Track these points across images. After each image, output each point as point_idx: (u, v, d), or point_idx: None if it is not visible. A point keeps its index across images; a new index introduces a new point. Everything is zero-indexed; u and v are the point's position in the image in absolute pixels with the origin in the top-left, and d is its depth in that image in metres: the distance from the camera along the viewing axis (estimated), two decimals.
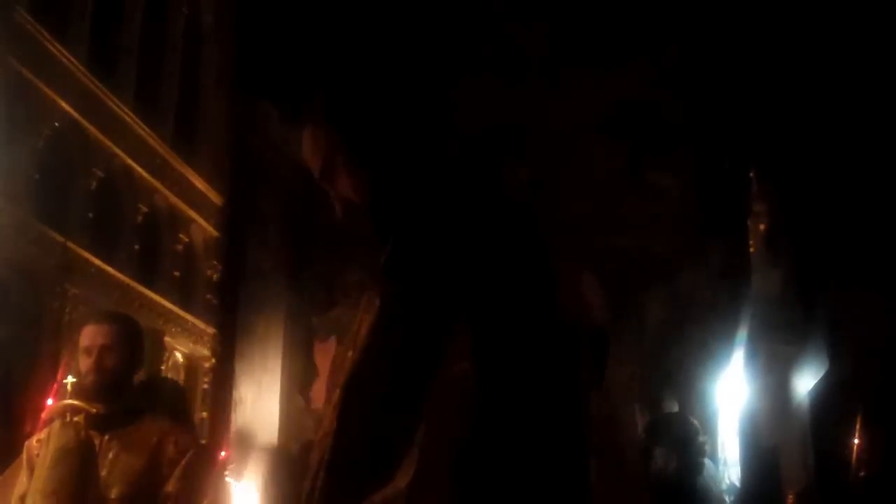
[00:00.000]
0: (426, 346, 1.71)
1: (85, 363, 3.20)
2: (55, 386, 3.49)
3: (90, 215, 15.30)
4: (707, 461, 6.37)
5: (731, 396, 14.26)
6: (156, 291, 17.02)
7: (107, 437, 3.25)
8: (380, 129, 1.96)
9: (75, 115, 14.64)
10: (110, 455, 3.24)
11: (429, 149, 2.01)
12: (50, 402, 3.81)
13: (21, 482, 3.28)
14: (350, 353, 1.82)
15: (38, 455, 3.27)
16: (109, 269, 15.45)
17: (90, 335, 3.29)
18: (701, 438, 5.54)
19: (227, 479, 15.43)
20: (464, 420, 1.68)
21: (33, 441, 3.37)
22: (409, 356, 1.72)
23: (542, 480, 1.70)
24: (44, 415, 3.38)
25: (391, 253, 1.81)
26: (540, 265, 1.86)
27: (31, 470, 3.27)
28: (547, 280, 1.86)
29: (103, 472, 3.20)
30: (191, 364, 18.63)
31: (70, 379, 3.24)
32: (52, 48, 14.03)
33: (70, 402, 3.21)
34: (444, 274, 1.76)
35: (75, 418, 3.20)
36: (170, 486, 3.25)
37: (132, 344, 3.39)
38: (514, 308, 1.76)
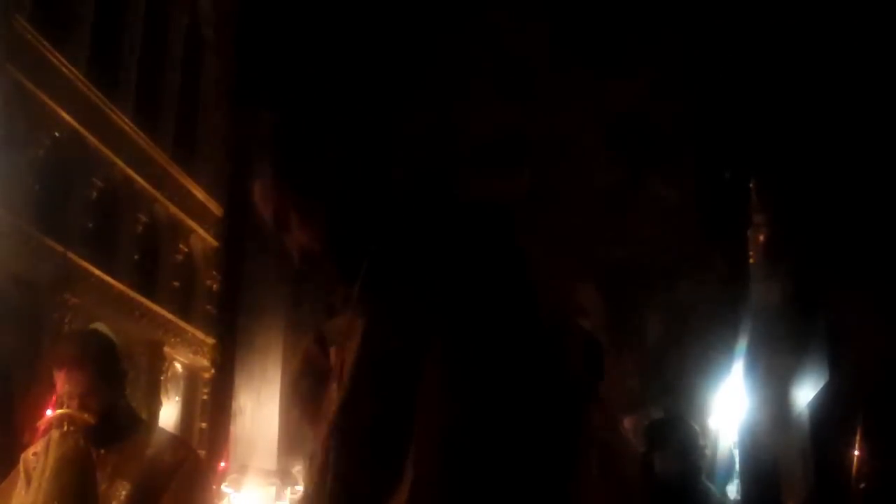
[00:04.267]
0: (410, 367, 1.72)
1: (64, 402, 3.20)
2: (54, 396, 3.46)
3: (90, 225, 15.31)
4: (708, 467, 6.34)
5: (730, 407, 14.26)
6: (155, 301, 17.02)
7: (103, 451, 3.24)
8: (329, 168, 1.93)
9: (75, 125, 14.65)
10: (108, 469, 3.23)
11: (387, 174, 1.98)
12: (49, 413, 3.79)
13: (18, 494, 3.27)
14: (336, 387, 1.83)
15: (34, 467, 3.26)
16: (109, 279, 15.45)
17: (61, 382, 3.26)
18: (701, 443, 5.53)
19: (226, 489, 15.43)
20: (448, 432, 1.70)
21: (30, 453, 3.35)
22: (394, 381, 1.73)
23: (532, 489, 1.73)
24: (41, 425, 3.36)
25: (364, 278, 1.82)
26: (516, 274, 1.86)
27: (29, 481, 3.25)
28: (524, 288, 1.85)
29: (102, 486, 3.19)
30: (190, 374, 18.63)
31: (68, 389, 3.22)
32: (52, 58, 14.06)
33: (67, 411, 3.19)
34: (418, 292, 1.76)
35: (72, 428, 3.18)
36: (168, 498, 3.24)
37: (103, 373, 3.32)
38: (489, 319, 1.77)
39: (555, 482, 1.78)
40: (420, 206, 1.90)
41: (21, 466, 3.34)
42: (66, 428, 3.15)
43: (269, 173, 1.97)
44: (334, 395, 1.81)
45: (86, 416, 3.17)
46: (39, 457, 3.23)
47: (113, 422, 3.27)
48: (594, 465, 3.08)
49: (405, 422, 1.70)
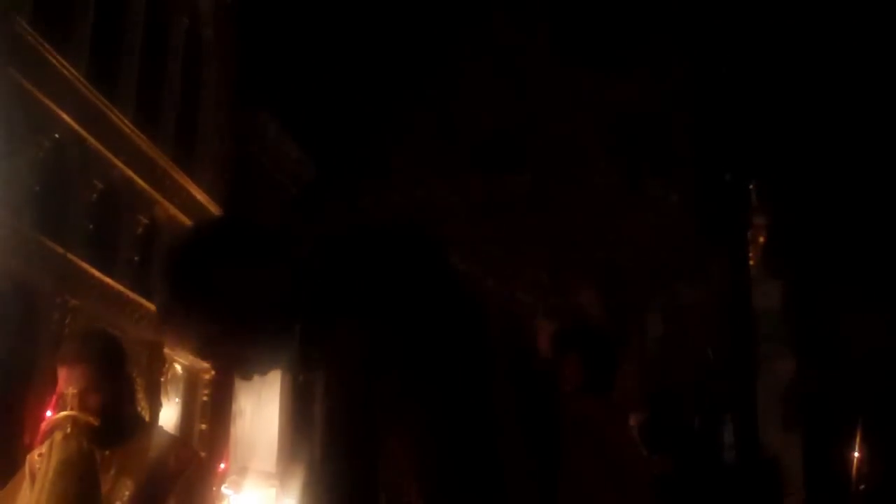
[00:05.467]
0: (374, 412, 1.77)
1: (67, 403, 3.20)
2: (54, 398, 3.46)
3: (90, 227, 15.29)
4: (703, 466, 6.36)
5: (730, 407, 14.27)
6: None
7: (107, 453, 3.25)
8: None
9: (76, 126, 14.64)
10: (112, 471, 3.24)
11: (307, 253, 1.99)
12: (49, 414, 3.79)
13: (24, 495, 3.28)
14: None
15: (40, 468, 3.26)
16: (109, 280, 15.44)
17: (63, 380, 3.27)
18: (698, 444, 5.56)
19: (226, 490, 15.42)
20: (420, 465, 1.76)
21: (35, 455, 3.36)
22: (370, 412, 1.78)
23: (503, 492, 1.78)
24: (44, 426, 3.37)
25: (304, 346, 1.88)
26: (450, 294, 1.88)
27: (34, 483, 3.26)
28: (463, 306, 1.88)
29: (105, 488, 3.19)
30: (190, 376, 18.61)
31: (71, 390, 3.23)
32: (52, 59, 14.05)
33: (71, 413, 3.19)
34: (363, 332, 1.79)
35: (76, 430, 3.19)
36: (172, 501, 3.24)
37: (107, 371, 3.33)
38: (439, 347, 1.81)
39: (537, 477, 1.82)
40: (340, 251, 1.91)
41: (26, 468, 3.35)
42: (69, 430, 3.16)
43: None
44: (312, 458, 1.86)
45: (90, 417, 3.18)
46: (44, 458, 3.24)
47: (117, 422, 3.27)
48: (590, 453, 3.10)
49: (376, 463, 1.75)
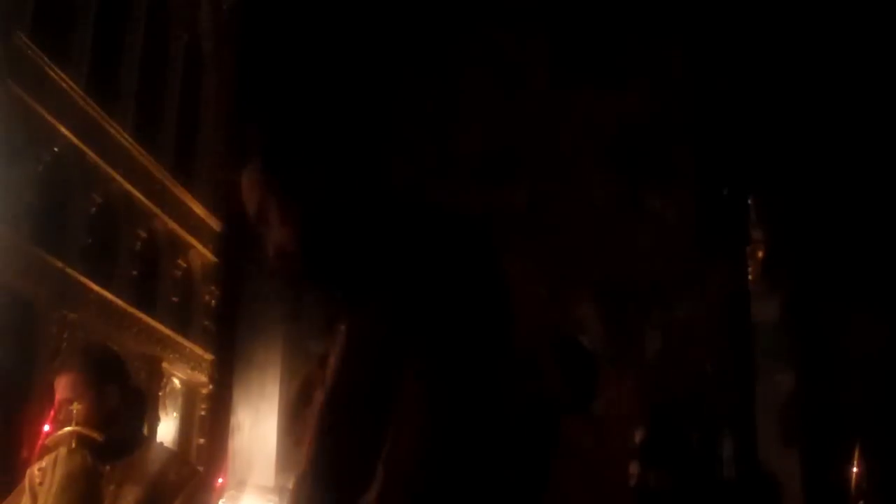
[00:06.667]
0: (388, 373, 1.81)
1: (67, 413, 3.20)
2: (52, 412, 3.45)
3: (89, 240, 15.32)
4: (701, 481, 6.36)
5: (728, 421, 14.24)
6: (154, 317, 17.01)
7: (108, 468, 3.24)
8: (314, 169, 1.99)
9: (75, 140, 14.68)
10: (112, 486, 3.23)
11: (369, 184, 2.04)
12: (47, 428, 3.77)
13: None
14: (318, 389, 1.91)
15: (40, 483, 3.26)
16: (107, 294, 15.45)
17: (62, 388, 3.27)
18: (699, 460, 5.55)
19: None
20: (419, 438, 1.79)
21: (35, 469, 3.35)
22: (373, 383, 1.82)
23: (494, 495, 1.81)
24: (47, 441, 3.36)
25: (347, 289, 1.90)
26: (493, 292, 1.93)
27: (34, 498, 3.25)
28: (500, 306, 1.92)
29: (106, 502, 3.19)
30: (188, 390, 18.61)
31: (75, 406, 3.22)
32: (52, 73, 14.10)
33: (75, 428, 3.19)
34: (399, 303, 1.84)
35: (80, 445, 3.19)
36: None
37: (102, 380, 3.33)
38: (465, 332, 1.85)
39: (525, 491, 1.84)
40: (403, 218, 1.95)
41: (26, 482, 3.34)
42: (73, 445, 3.16)
43: (257, 168, 2.02)
44: (318, 396, 1.89)
45: (93, 433, 3.18)
46: (45, 473, 3.24)
47: (118, 436, 3.27)
48: (576, 476, 3.09)
49: (381, 420, 1.79)
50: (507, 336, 1.90)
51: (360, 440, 1.82)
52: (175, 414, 18.26)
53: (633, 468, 4.59)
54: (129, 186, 16.32)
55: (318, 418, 1.84)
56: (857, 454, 8.62)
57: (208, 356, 18.92)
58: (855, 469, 8.61)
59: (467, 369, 1.85)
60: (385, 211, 1.97)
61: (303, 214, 1.97)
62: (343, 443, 1.82)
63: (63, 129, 14.37)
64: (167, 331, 17.44)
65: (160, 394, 17.26)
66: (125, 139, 16.15)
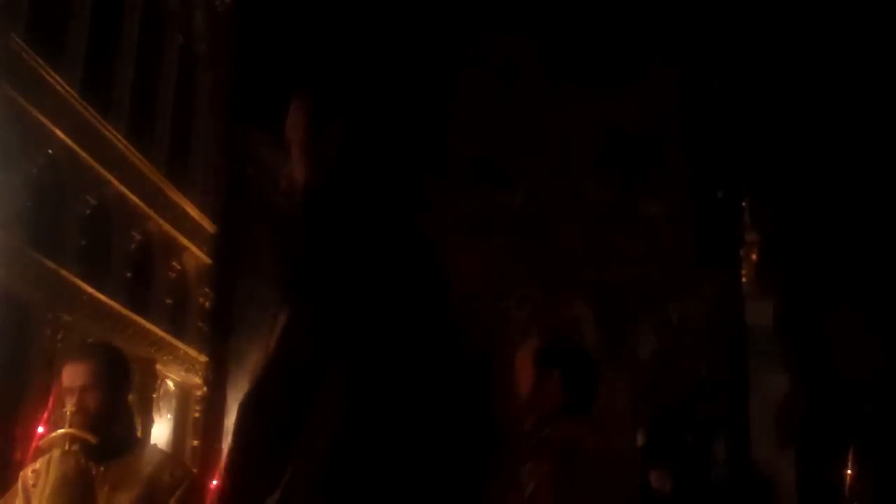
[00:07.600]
0: (312, 364, 1.85)
1: (69, 402, 3.20)
2: (46, 414, 3.46)
3: (83, 243, 15.29)
4: (696, 483, 6.38)
5: (722, 423, 14.28)
6: (148, 319, 16.99)
7: (102, 469, 3.25)
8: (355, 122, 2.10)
9: (69, 142, 14.66)
10: (106, 488, 3.23)
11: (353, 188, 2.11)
12: (41, 430, 3.78)
13: None
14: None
15: (34, 485, 3.26)
16: (101, 296, 15.43)
17: (69, 375, 3.27)
18: (696, 461, 5.57)
19: None
20: (331, 433, 1.82)
21: (28, 471, 3.35)
22: (296, 373, 1.86)
23: (409, 493, 1.81)
24: (40, 443, 3.37)
25: (295, 271, 1.98)
26: (433, 307, 1.95)
27: (28, 499, 3.26)
28: (439, 319, 1.94)
29: (100, 503, 3.20)
30: (182, 392, 18.58)
31: (69, 407, 3.23)
32: (46, 76, 14.07)
33: (69, 430, 3.20)
34: (334, 303, 1.88)
35: (74, 447, 3.19)
36: None
37: (114, 376, 3.34)
38: (396, 339, 1.88)
39: (453, 489, 1.85)
40: (361, 227, 1.99)
41: (20, 484, 3.34)
42: (67, 447, 3.17)
43: (305, 105, 2.22)
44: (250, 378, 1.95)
45: (87, 435, 3.18)
46: (39, 474, 3.24)
47: (113, 436, 3.28)
48: (576, 476, 3.10)
49: (299, 417, 1.82)
50: (444, 347, 1.91)
51: (276, 426, 1.85)
52: (169, 416, 18.23)
53: (633, 469, 4.61)
54: (123, 188, 16.30)
55: (245, 397, 1.89)
56: (850, 455, 8.64)
57: (202, 358, 18.93)
58: (849, 471, 8.64)
59: (392, 374, 1.86)
60: (350, 218, 2.01)
61: (317, 166, 2.17)
62: (260, 425, 1.86)
63: (57, 132, 14.35)
64: (161, 333, 17.41)
65: (154, 396, 17.23)
66: (120, 141, 16.14)
